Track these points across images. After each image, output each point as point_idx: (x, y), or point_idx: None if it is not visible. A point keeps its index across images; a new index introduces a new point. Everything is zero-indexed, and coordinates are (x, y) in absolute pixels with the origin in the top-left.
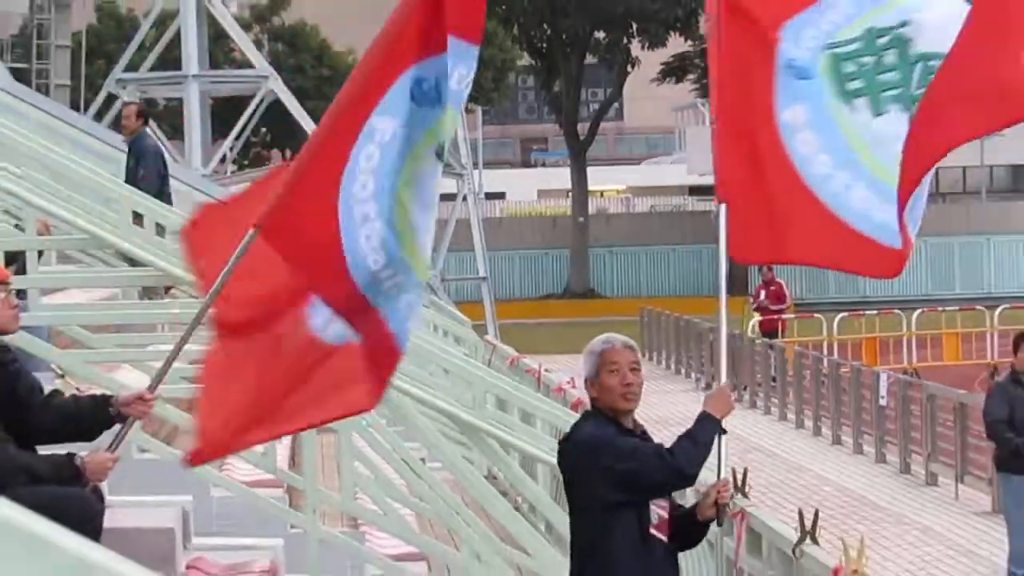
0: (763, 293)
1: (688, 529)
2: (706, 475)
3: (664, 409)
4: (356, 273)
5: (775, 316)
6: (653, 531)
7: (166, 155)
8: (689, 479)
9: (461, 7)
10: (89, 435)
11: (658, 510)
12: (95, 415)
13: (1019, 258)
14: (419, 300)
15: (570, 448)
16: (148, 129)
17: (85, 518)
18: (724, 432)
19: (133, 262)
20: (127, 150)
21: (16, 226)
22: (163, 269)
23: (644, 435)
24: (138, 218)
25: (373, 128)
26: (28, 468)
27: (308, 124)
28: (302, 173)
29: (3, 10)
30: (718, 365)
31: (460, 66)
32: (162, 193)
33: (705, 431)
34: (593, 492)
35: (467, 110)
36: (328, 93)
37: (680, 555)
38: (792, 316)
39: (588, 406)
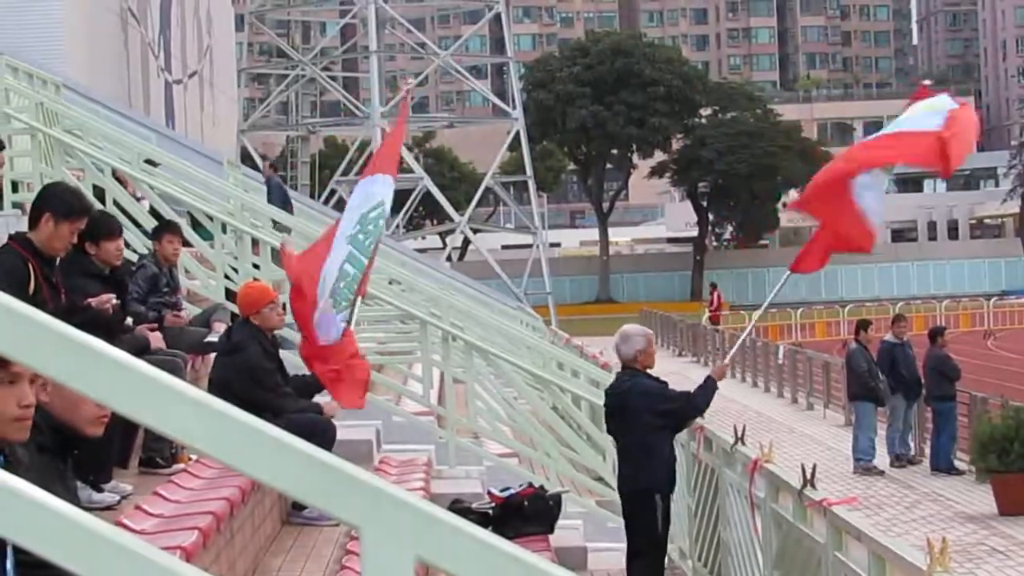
0: (712, 299)
1: None
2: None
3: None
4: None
5: (718, 313)
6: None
7: (287, 189)
8: (697, 416)
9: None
10: (310, 396)
11: None
12: (314, 385)
13: (858, 277)
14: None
15: (636, 395)
16: (276, 175)
17: (326, 435)
18: (716, 388)
19: None
20: (266, 185)
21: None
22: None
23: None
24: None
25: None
26: (300, 407)
27: (445, 203)
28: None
29: (271, 142)
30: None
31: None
32: (286, 206)
33: (709, 389)
34: (648, 419)
35: (538, 195)
36: (456, 187)
37: None
38: (728, 313)
39: (611, 367)
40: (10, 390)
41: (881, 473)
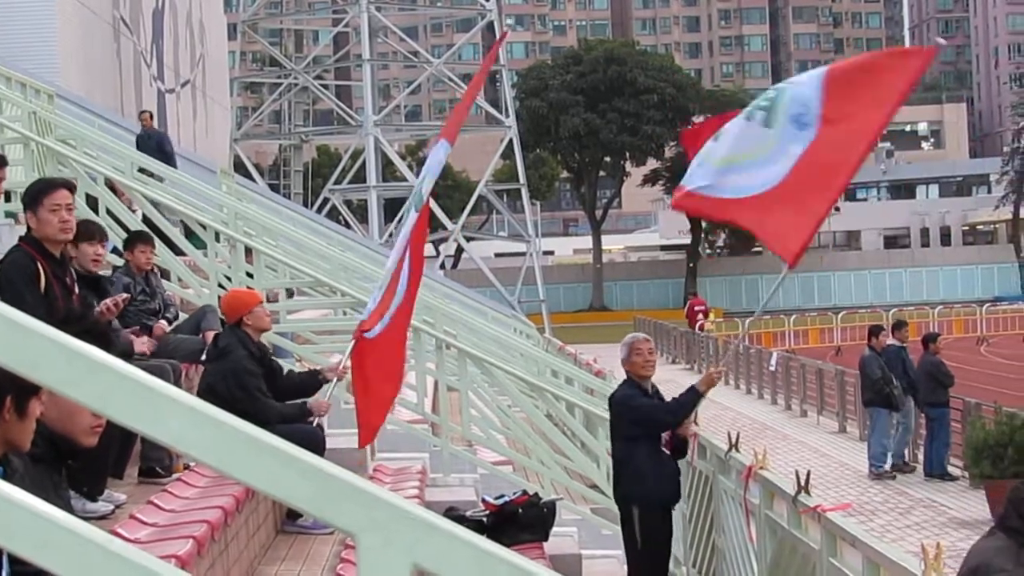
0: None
1: (677, 445)
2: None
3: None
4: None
5: (696, 321)
6: (662, 448)
7: (164, 143)
8: (672, 425)
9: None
10: (308, 394)
11: (664, 436)
12: (311, 380)
13: (851, 284)
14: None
15: (613, 403)
16: (154, 125)
17: (316, 444)
18: (703, 397)
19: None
20: (147, 137)
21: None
22: (355, 296)
23: (657, 393)
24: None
25: None
26: (282, 413)
27: (438, 211)
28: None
29: (264, 150)
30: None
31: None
32: (165, 155)
33: (688, 399)
34: (624, 428)
35: (531, 203)
36: (449, 195)
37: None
38: (721, 320)
39: (605, 374)
40: (39, 402)
41: (893, 478)
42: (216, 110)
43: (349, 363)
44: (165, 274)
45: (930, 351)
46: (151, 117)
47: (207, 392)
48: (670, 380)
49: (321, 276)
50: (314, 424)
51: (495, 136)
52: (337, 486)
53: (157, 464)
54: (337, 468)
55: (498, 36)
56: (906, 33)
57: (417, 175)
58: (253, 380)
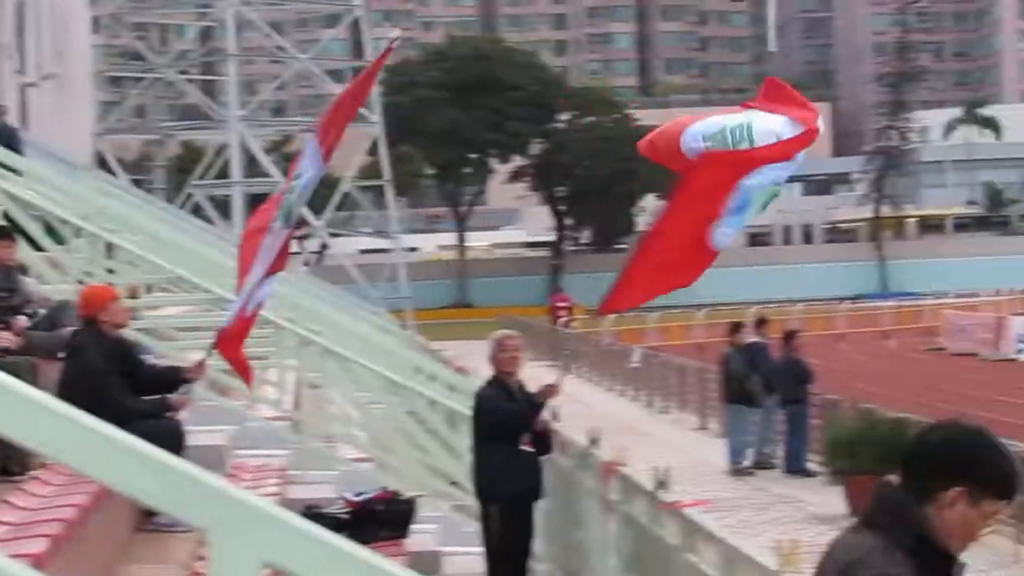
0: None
1: (539, 442)
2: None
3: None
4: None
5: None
6: (522, 447)
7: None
8: (517, 431)
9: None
10: (170, 389)
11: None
12: (173, 377)
13: (715, 282)
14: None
15: (474, 401)
16: (7, 119)
17: (176, 440)
18: (543, 404)
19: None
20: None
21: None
22: (217, 294)
23: (522, 389)
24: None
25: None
26: (141, 410)
27: (302, 207)
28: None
29: (127, 145)
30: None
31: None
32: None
33: (526, 409)
34: (481, 427)
35: (396, 199)
36: (313, 192)
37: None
38: (587, 316)
39: (467, 371)
40: None
41: (752, 474)
42: (79, 104)
43: (210, 362)
44: (25, 270)
45: (790, 348)
46: (3, 112)
47: (63, 390)
48: (535, 377)
49: (183, 272)
50: (174, 420)
51: (360, 133)
52: (189, 484)
53: (12, 462)
54: (190, 466)
55: (366, 31)
56: (771, 32)
57: (283, 172)
58: (107, 378)
